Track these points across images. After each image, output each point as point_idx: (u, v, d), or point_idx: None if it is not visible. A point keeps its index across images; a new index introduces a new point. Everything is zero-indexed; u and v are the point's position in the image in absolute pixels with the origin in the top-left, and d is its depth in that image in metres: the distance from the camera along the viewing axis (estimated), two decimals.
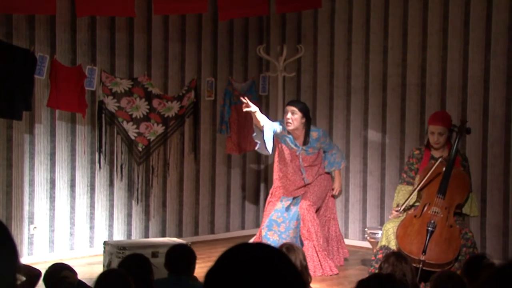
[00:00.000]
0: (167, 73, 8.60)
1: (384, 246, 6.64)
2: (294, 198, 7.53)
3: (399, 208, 6.62)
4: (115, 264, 6.68)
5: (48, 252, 7.74)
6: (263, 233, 7.45)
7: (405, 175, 6.91)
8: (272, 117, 7.67)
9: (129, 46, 8.29)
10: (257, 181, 9.49)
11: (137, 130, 8.28)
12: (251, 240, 7.70)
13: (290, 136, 7.41)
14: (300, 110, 7.31)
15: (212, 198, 9.05)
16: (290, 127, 7.29)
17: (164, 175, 8.60)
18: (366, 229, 8.07)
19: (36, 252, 7.66)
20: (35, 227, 7.66)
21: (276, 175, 7.65)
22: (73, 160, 7.90)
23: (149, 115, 8.36)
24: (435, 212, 6.53)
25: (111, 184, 8.19)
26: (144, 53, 8.41)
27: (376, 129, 8.56)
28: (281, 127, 7.37)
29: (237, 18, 8.99)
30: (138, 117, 8.29)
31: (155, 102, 8.39)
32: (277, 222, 7.42)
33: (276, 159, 7.67)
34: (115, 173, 8.21)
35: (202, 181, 8.95)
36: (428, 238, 6.36)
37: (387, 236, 6.63)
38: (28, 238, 7.63)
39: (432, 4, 8.11)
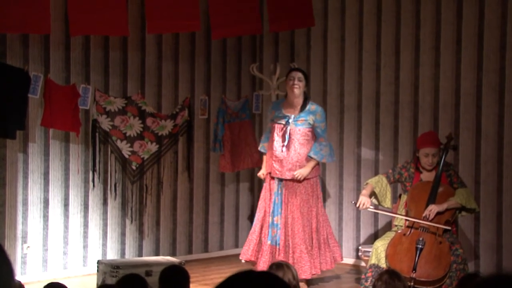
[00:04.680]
0: (161, 91, 8.62)
1: (374, 264, 6.65)
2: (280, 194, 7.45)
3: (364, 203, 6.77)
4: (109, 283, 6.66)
5: (42, 271, 7.72)
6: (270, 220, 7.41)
7: (391, 171, 7.03)
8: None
9: (122, 64, 8.31)
10: (251, 199, 9.49)
11: (130, 149, 8.29)
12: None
13: (280, 110, 7.48)
14: (306, 77, 7.56)
15: (206, 217, 9.05)
16: (297, 92, 7.40)
17: (157, 193, 8.60)
18: (359, 247, 8.08)
19: (30, 272, 7.64)
20: (28, 247, 7.64)
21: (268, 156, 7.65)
22: (66, 179, 7.89)
23: (142, 133, 8.37)
24: (423, 229, 6.56)
25: (104, 202, 8.19)
26: (138, 72, 8.43)
27: (369, 146, 8.58)
28: (271, 108, 7.58)
29: (230, 36, 9.03)
30: (132, 135, 8.30)
31: (149, 121, 8.40)
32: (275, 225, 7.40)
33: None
34: (109, 191, 8.21)
35: (196, 199, 8.95)
36: (417, 255, 6.38)
37: (377, 254, 6.65)
38: (22, 257, 7.61)
39: (424, 22, 8.16)
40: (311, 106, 7.46)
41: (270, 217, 7.39)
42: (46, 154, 7.75)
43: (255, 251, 7.44)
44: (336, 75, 8.87)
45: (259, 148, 7.92)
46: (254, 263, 7.41)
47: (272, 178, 7.48)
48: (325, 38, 8.95)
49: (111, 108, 8.15)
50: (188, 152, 8.81)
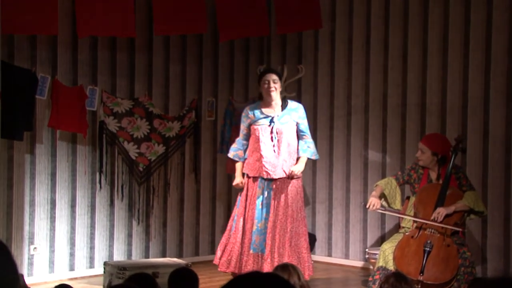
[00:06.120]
0: (168, 93, 8.62)
1: (382, 267, 6.63)
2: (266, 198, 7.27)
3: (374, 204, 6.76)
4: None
5: (48, 272, 7.73)
6: (254, 228, 7.18)
7: (400, 173, 7.07)
8: None
9: (130, 66, 8.31)
10: None
11: (138, 150, 8.29)
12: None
13: (259, 111, 7.30)
14: (280, 78, 7.42)
15: (213, 218, 9.05)
16: (274, 95, 7.22)
17: (164, 195, 8.60)
18: (367, 250, 8.07)
19: (36, 273, 7.64)
20: (35, 248, 7.64)
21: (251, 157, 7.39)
22: (73, 180, 7.90)
23: (150, 135, 8.37)
24: (431, 232, 6.54)
25: (111, 204, 8.19)
26: (145, 73, 8.43)
27: (377, 149, 8.57)
28: (248, 112, 7.33)
29: (238, 38, 9.02)
30: (139, 137, 8.30)
31: (156, 122, 8.40)
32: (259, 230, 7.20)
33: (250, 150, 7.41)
34: (115, 193, 8.21)
35: (203, 201, 8.94)
36: (425, 258, 6.37)
37: (385, 257, 6.63)
38: (28, 258, 7.62)
39: (432, 24, 8.15)
40: (291, 104, 7.36)
41: (255, 224, 7.17)
42: (53, 155, 7.76)
43: (238, 262, 7.19)
44: (343, 77, 8.85)
45: (231, 156, 7.50)
46: (235, 274, 7.17)
47: (254, 182, 7.28)
48: (333, 40, 8.94)
49: (118, 109, 8.15)
50: (195, 154, 8.81)
